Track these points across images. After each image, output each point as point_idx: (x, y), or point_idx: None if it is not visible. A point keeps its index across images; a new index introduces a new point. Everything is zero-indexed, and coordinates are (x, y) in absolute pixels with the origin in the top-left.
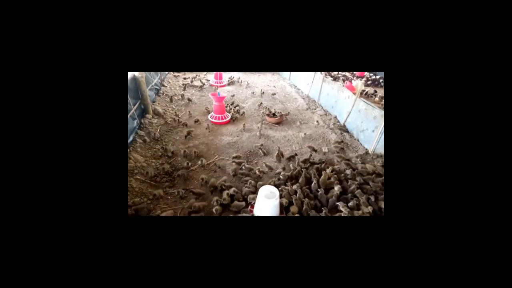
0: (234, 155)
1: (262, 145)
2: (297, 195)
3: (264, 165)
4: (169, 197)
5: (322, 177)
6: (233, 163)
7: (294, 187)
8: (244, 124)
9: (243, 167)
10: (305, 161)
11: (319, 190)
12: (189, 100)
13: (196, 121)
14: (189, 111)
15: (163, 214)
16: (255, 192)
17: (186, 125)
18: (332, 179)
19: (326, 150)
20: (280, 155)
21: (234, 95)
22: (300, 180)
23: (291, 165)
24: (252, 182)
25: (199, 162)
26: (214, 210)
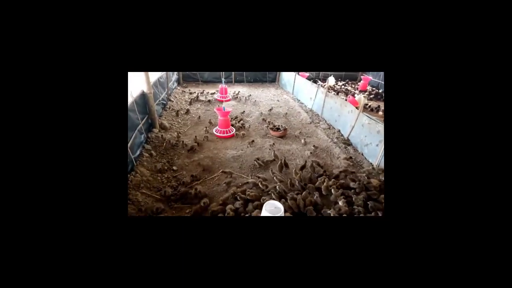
0: (226, 170)
1: (258, 158)
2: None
3: (256, 177)
4: (173, 212)
5: (324, 184)
6: (224, 184)
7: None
8: (253, 140)
9: (249, 182)
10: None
11: (321, 205)
12: (199, 118)
13: (205, 137)
14: (195, 136)
15: None
16: (254, 200)
17: (198, 144)
18: (334, 191)
19: (337, 173)
20: (282, 165)
21: (244, 111)
22: (303, 194)
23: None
24: (253, 193)
25: (195, 189)
26: None
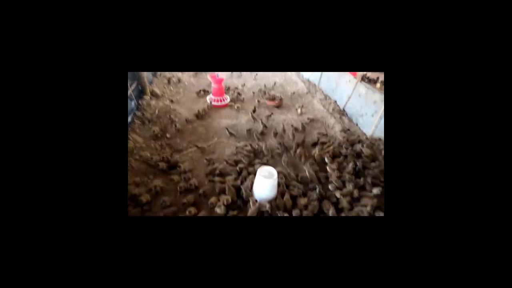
0: (199, 145)
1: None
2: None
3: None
4: (168, 179)
5: (317, 152)
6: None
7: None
8: (255, 108)
9: (243, 148)
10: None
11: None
12: (204, 91)
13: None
14: (198, 110)
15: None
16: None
17: (198, 117)
18: (327, 159)
19: (336, 145)
20: (276, 132)
21: (244, 84)
22: (298, 150)
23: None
24: (244, 165)
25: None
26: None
